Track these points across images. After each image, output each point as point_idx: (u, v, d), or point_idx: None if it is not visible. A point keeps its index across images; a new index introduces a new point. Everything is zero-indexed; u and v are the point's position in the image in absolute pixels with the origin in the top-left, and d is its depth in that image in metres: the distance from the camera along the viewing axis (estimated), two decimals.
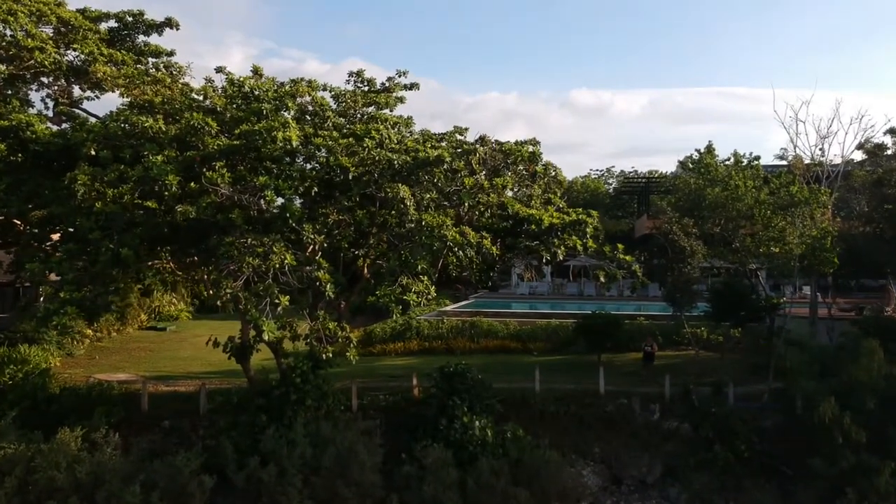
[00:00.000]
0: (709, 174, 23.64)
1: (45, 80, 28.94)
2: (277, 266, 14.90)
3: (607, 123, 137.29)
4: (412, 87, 23.48)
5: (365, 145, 16.55)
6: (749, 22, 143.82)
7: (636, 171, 65.45)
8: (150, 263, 17.57)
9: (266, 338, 14.90)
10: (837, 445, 17.89)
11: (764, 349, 25.30)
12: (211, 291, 17.19)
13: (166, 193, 15.74)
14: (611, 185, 77.24)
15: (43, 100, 28.93)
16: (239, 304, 15.03)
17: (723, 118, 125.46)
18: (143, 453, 18.31)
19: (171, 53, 28.84)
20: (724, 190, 22.43)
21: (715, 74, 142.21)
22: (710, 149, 28.86)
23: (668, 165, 61.20)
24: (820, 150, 26.77)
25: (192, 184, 15.86)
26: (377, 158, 16.57)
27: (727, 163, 27.16)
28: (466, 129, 22.31)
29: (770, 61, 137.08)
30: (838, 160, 27.97)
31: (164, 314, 40.72)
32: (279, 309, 14.84)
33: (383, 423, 20.95)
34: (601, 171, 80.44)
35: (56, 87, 29.46)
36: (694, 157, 31.38)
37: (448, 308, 39.02)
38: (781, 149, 37.69)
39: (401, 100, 22.85)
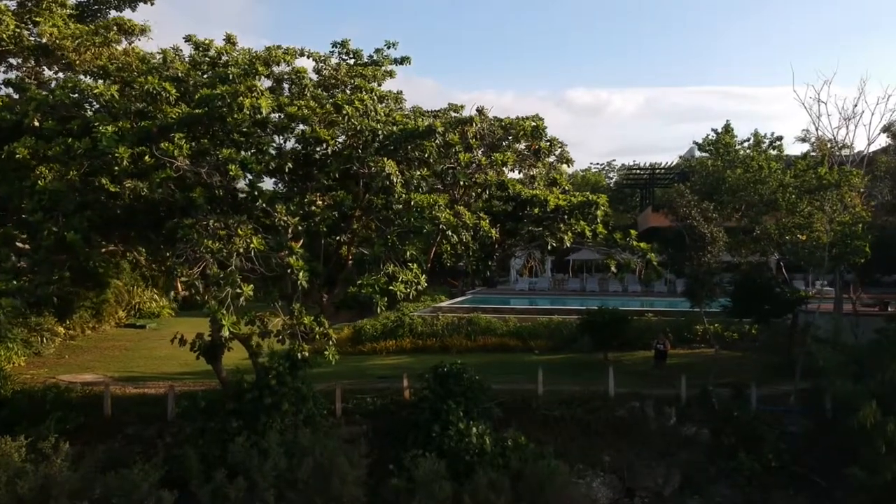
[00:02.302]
0: (728, 155, 21.59)
1: (12, 60, 27.05)
2: (242, 251, 12.84)
3: (604, 122, 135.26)
4: (402, 60, 21.34)
5: (345, 113, 14.48)
6: (747, 21, 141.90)
7: (637, 164, 63.22)
8: (103, 250, 15.48)
9: (225, 333, 12.83)
10: (879, 454, 15.89)
11: (784, 347, 23.43)
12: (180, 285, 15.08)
13: (116, 168, 13.69)
14: (611, 179, 75.26)
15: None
16: (196, 294, 12.94)
17: (721, 117, 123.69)
18: (99, 464, 16.30)
19: (146, 30, 26.86)
20: (745, 172, 20.40)
21: (713, 73, 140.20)
22: (728, 128, 26.76)
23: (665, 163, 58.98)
24: (833, 134, 24.58)
25: (146, 157, 13.78)
26: (359, 128, 14.52)
27: (746, 144, 25.08)
28: (462, 107, 20.30)
29: (769, 61, 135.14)
30: (861, 146, 26.03)
31: (145, 311, 38.66)
32: (242, 300, 12.75)
33: (370, 429, 18.99)
34: (601, 164, 78.51)
35: (25, 69, 27.52)
36: (710, 137, 29.31)
37: (443, 304, 37.12)
38: (803, 130, 35.76)
39: (390, 74, 20.75)
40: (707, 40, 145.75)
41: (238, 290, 12.49)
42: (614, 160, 79.86)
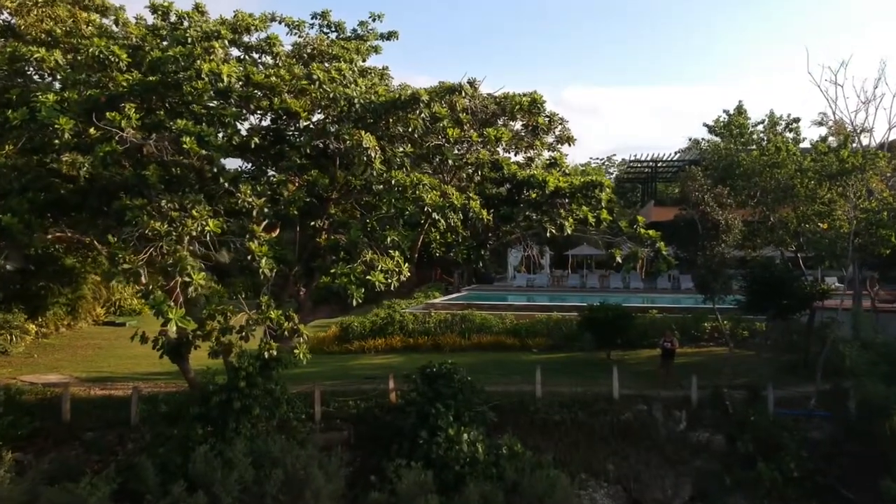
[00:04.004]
0: (742, 137, 19.93)
1: None
2: (195, 234, 11.20)
3: (601, 121, 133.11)
4: (390, 36, 19.72)
5: (316, 78, 12.81)
6: (746, 21, 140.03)
7: (637, 157, 61.11)
8: (50, 236, 13.82)
9: (172, 328, 11.17)
10: None
11: (801, 345, 21.79)
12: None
13: (57, 142, 12.04)
14: (612, 174, 73.49)
15: None
16: (140, 282, 11.27)
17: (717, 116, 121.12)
18: (49, 475, 14.69)
19: (122, 11, 25.26)
20: (761, 155, 18.73)
21: (713, 73, 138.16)
22: (740, 109, 25.06)
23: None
24: (851, 118, 22.78)
25: (91, 129, 12.12)
26: (333, 96, 12.86)
27: (760, 126, 23.38)
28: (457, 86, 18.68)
29: (767, 61, 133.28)
30: (882, 132, 24.48)
31: (126, 308, 36.96)
32: (192, 291, 11.07)
33: (351, 435, 17.35)
34: (601, 159, 76.73)
35: None
36: (722, 119, 27.44)
37: (436, 300, 35.45)
38: (820, 114, 34.19)
39: (375, 49, 19.10)
40: (707, 39, 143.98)
41: (187, 279, 10.83)
42: (614, 155, 78.06)
